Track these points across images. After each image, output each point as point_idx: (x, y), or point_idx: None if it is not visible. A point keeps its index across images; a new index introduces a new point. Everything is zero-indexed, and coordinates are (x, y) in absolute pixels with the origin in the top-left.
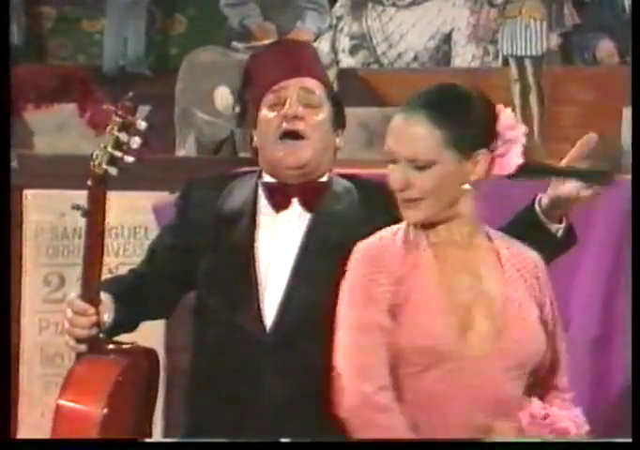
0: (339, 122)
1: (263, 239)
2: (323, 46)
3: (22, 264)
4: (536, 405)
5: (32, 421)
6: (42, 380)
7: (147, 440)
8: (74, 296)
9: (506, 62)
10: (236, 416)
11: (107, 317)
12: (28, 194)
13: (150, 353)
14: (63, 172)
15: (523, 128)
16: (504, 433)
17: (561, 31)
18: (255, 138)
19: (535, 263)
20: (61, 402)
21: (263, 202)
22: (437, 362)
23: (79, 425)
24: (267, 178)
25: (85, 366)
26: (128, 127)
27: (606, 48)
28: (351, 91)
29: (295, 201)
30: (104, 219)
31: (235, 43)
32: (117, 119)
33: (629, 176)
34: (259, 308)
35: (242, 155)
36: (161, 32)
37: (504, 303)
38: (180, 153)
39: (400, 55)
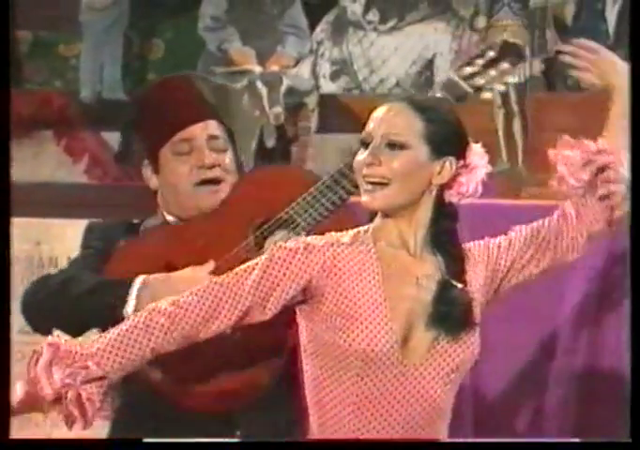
0: (238, 157)
1: None
2: (303, 71)
3: None
4: None
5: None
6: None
7: (147, 440)
8: None
9: None
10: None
11: None
12: None
13: None
14: (39, 200)
15: (489, 166)
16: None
17: (544, 56)
18: (153, 181)
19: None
20: None
21: None
22: (377, 367)
23: None
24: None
25: None
26: None
27: None
28: (332, 117)
29: None
30: None
31: (213, 68)
32: None
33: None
34: None
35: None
36: (139, 57)
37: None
38: None
39: (382, 81)
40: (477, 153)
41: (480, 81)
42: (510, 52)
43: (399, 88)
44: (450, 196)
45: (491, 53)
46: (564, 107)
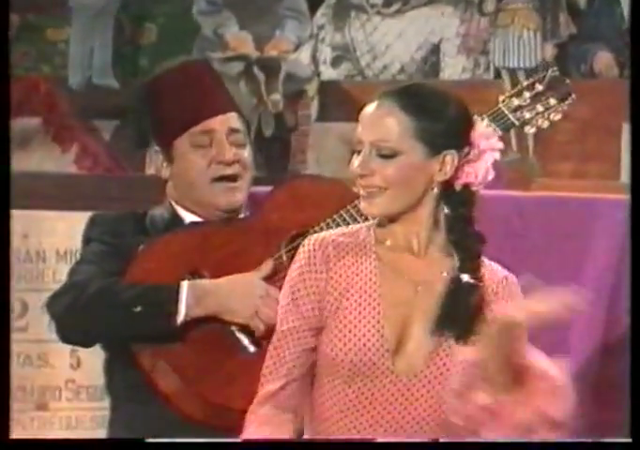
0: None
1: None
2: (303, 57)
3: None
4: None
5: None
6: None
7: (148, 440)
8: None
9: (498, 74)
10: None
11: None
12: None
13: None
14: (25, 191)
15: (499, 144)
16: None
17: (556, 41)
18: (163, 171)
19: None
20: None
21: None
22: (365, 376)
23: None
24: (189, 216)
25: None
26: None
27: (604, 59)
28: (333, 105)
29: None
30: None
31: (209, 54)
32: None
33: (628, 196)
34: None
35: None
36: (130, 41)
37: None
38: (151, 171)
39: (385, 67)
40: (483, 135)
41: (526, 114)
42: (557, 88)
43: (403, 74)
44: (459, 186)
45: (539, 87)
46: (577, 94)
